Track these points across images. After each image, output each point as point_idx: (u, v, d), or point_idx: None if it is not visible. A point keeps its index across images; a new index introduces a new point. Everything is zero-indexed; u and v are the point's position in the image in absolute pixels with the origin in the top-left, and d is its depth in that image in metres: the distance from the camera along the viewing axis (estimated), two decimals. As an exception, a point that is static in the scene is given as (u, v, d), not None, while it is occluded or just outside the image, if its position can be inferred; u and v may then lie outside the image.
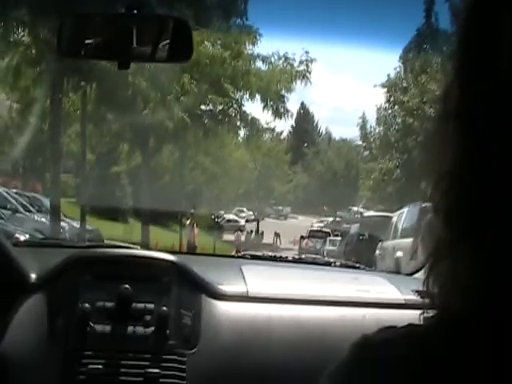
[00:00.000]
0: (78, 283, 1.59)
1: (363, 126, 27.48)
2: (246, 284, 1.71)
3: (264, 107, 16.10)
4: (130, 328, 1.55)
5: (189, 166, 22.73)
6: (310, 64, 16.08)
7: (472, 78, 0.54)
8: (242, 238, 25.92)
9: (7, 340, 1.49)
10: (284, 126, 45.24)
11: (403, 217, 12.02)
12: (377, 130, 27.01)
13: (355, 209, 41.63)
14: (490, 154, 0.51)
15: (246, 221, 34.28)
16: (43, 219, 12.37)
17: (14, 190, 16.85)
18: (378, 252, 13.27)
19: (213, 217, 28.42)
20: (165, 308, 1.55)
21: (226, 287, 1.69)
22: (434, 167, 0.56)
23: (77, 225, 14.19)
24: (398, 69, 21.93)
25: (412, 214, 10.84)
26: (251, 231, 30.46)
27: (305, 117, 49.60)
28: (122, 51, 1.50)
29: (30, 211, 14.06)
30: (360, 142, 33.21)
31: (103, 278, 1.61)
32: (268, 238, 30.81)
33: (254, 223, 33.94)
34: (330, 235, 26.21)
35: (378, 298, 1.69)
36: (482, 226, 0.51)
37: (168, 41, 1.50)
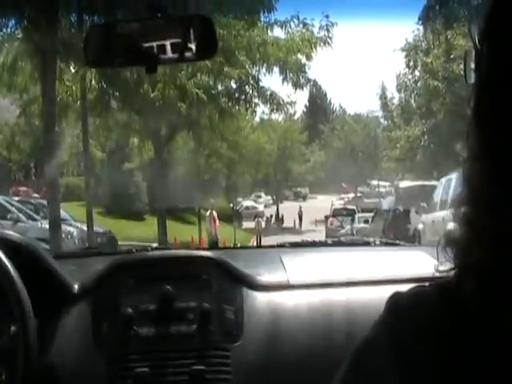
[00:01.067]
0: (120, 288, 1.65)
1: (382, 94, 27.23)
2: (286, 272, 1.74)
3: (283, 79, 15.22)
4: (174, 328, 1.60)
5: (204, 153, 22.23)
6: (330, 29, 14.92)
7: None
8: (263, 223, 25.88)
9: (54, 351, 1.56)
10: (297, 106, 44.88)
11: (452, 184, 10.63)
12: (397, 98, 26.81)
13: (375, 182, 41.50)
14: None
15: (265, 206, 34.43)
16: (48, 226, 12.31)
17: (17, 199, 16.64)
18: (421, 226, 12.31)
19: (231, 205, 28.52)
20: (206, 304, 1.60)
21: (267, 277, 1.72)
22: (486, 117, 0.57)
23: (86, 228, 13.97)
24: (416, 31, 21.60)
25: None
26: (271, 216, 30.61)
27: (318, 94, 49.45)
28: (148, 55, 1.56)
29: (34, 219, 13.81)
30: (378, 113, 33.01)
31: (144, 281, 1.66)
32: (288, 222, 30.91)
33: (274, 207, 34.06)
34: (355, 212, 26.07)
35: (419, 273, 1.65)
36: None
37: (193, 40, 1.56)
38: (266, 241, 20.99)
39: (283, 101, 16.52)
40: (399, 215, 14.83)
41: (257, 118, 25.25)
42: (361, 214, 24.19)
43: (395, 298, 0.62)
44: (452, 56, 18.42)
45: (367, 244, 2.27)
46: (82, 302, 1.64)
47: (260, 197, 37.32)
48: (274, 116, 27.62)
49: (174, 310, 1.61)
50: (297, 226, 29.49)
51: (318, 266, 1.83)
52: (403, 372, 0.56)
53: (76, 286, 1.67)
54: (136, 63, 1.77)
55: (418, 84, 22.80)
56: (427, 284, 0.61)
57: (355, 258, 1.97)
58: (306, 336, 1.59)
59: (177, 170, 22.65)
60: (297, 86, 15.46)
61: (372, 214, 20.14)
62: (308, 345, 1.57)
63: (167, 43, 1.58)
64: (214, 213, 17.43)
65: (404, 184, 18.73)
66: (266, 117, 26.37)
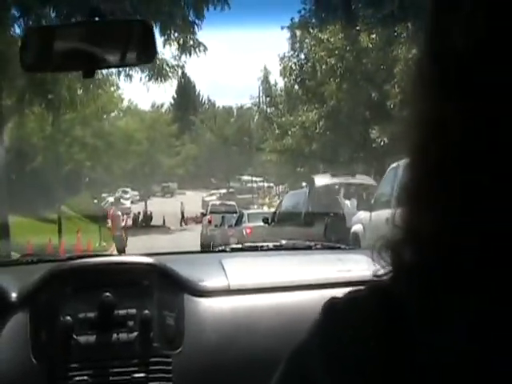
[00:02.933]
0: (59, 297, 1.71)
1: (265, 79, 26.39)
2: (227, 277, 1.85)
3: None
4: (114, 335, 1.68)
5: (65, 141, 21.14)
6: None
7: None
8: (129, 221, 25.47)
9: None
10: (164, 98, 44.49)
11: (398, 174, 9.30)
12: (281, 83, 25.89)
13: (246, 178, 41.95)
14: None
15: (132, 202, 33.82)
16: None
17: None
18: (356, 227, 11.46)
19: (95, 201, 27.76)
20: (147, 311, 1.69)
21: (208, 283, 1.82)
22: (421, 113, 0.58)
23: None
24: (303, 10, 20.51)
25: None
26: (138, 213, 30.26)
27: (186, 86, 49.56)
28: (86, 60, 1.61)
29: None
30: (253, 103, 32.96)
31: (84, 288, 1.73)
32: (157, 219, 30.60)
33: (141, 204, 33.65)
34: (236, 209, 25.42)
35: (359, 276, 1.80)
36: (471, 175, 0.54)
37: (132, 44, 1.63)
38: (132, 241, 20.60)
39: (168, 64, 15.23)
40: (337, 217, 13.49)
41: (125, 102, 24.33)
42: (253, 211, 22.76)
43: (331, 303, 0.63)
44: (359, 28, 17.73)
45: (309, 248, 2.40)
46: (19, 311, 1.69)
47: (127, 192, 36.63)
48: (141, 105, 27.09)
49: (114, 318, 1.68)
50: (166, 224, 29.22)
51: (258, 270, 1.96)
52: (334, 380, 0.57)
53: (14, 295, 1.71)
54: (74, 68, 1.79)
55: (308, 65, 21.92)
56: (363, 287, 0.63)
57: (296, 261, 2.12)
58: (246, 341, 1.71)
59: (31, 160, 21.32)
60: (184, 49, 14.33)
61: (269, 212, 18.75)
62: (249, 350, 1.69)
63: (106, 47, 1.64)
64: (119, 213, 16.08)
65: (320, 180, 15.75)
66: (134, 103, 25.66)
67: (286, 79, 24.50)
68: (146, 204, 33.11)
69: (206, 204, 27.63)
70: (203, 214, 25.57)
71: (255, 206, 31.35)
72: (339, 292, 1.56)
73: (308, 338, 0.61)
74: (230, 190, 38.59)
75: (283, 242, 2.50)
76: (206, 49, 14.54)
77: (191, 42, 14.20)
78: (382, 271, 0.63)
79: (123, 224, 22.42)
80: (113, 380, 1.65)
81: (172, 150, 35.68)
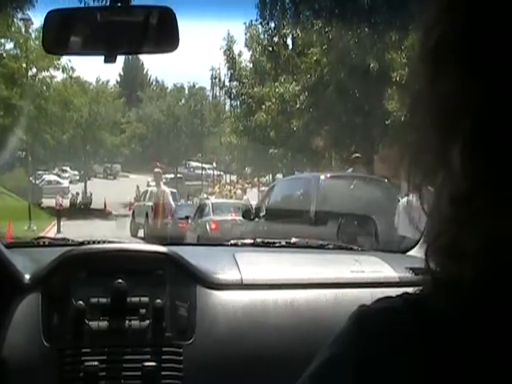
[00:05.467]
0: (72, 281, 1.81)
1: (228, 49, 23.93)
2: (239, 271, 1.98)
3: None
4: (126, 323, 1.78)
5: None
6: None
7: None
8: (65, 202, 24.93)
9: (2, 342, 1.70)
10: (110, 74, 43.61)
11: None
12: (247, 54, 23.97)
13: (194, 164, 41.31)
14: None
15: (70, 182, 33.17)
16: None
17: None
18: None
19: (30, 178, 27.01)
20: (159, 301, 1.80)
21: (220, 276, 1.95)
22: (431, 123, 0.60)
23: None
24: None
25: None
26: (77, 194, 29.76)
27: (134, 63, 49.18)
28: (107, 45, 1.71)
29: None
30: (208, 86, 31.58)
31: (97, 273, 1.83)
32: (97, 202, 30.09)
33: (81, 184, 33.08)
34: (176, 195, 24.65)
35: (372, 277, 1.99)
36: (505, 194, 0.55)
37: (153, 31, 1.73)
38: (67, 225, 20.40)
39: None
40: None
41: (63, 61, 22.83)
42: (222, 201, 21.22)
43: (363, 314, 0.63)
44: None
45: (321, 247, 2.53)
46: (32, 293, 1.79)
47: (66, 171, 35.92)
48: (83, 74, 25.17)
49: (126, 305, 1.79)
50: (108, 208, 28.71)
51: (271, 265, 2.08)
52: None
53: (27, 277, 1.82)
54: (95, 52, 1.85)
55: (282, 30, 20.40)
56: (394, 297, 0.64)
57: (309, 259, 2.24)
58: (257, 336, 1.83)
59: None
60: None
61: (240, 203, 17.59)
62: (259, 344, 1.81)
63: (127, 33, 1.75)
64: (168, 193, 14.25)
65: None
66: (73, 67, 24.16)
67: (252, 50, 22.99)
68: (85, 185, 32.53)
69: (143, 190, 26.03)
70: (136, 200, 24.55)
71: (204, 195, 31.03)
72: (350, 292, 1.80)
73: (340, 350, 0.62)
74: (179, 175, 38.22)
75: (294, 239, 2.60)
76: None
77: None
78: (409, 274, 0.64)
79: (58, 206, 21.76)
80: (124, 367, 1.75)
81: (117, 127, 34.98)
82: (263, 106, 21.63)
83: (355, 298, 1.86)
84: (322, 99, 18.35)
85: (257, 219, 11.34)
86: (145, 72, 52.17)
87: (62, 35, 1.75)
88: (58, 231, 19.73)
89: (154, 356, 1.77)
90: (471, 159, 0.57)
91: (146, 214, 21.33)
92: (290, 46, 21.13)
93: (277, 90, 20.75)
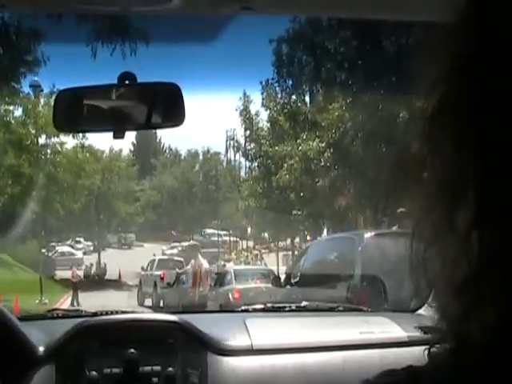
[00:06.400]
0: (85, 351, 1.88)
1: (244, 109, 23.75)
2: (250, 337, 2.04)
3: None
4: None
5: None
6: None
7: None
8: (79, 273, 24.47)
9: None
10: (123, 143, 43.92)
11: None
12: (264, 114, 23.33)
13: (210, 231, 41.35)
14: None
15: (84, 253, 32.98)
16: None
17: None
18: None
19: (43, 250, 26.70)
20: (171, 369, 1.87)
21: (231, 342, 2.01)
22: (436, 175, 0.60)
23: None
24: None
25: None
26: (91, 265, 29.27)
27: (147, 132, 49.92)
28: (116, 121, 1.80)
29: None
30: (223, 151, 31.41)
31: (109, 344, 1.90)
32: (112, 273, 29.73)
33: (94, 255, 32.68)
34: (183, 264, 24.60)
35: (381, 338, 2.06)
36: None
37: (160, 107, 1.83)
38: (81, 297, 20.14)
39: None
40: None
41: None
42: (244, 267, 20.63)
43: None
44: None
45: (331, 309, 2.64)
46: (46, 365, 1.86)
47: (79, 242, 35.79)
48: (96, 142, 25.33)
49: (138, 374, 1.86)
50: (123, 278, 28.28)
51: (281, 330, 2.14)
52: None
53: (41, 349, 1.89)
54: (104, 129, 1.95)
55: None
56: (399, 371, 0.63)
57: (319, 322, 2.30)
58: None
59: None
60: None
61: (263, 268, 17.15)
62: None
63: (135, 110, 1.84)
64: (205, 263, 13.26)
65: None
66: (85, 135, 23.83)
67: (269, 109, 22.30)
68: (99, 255, 32.05)
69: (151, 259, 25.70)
70: (143, 269, 24.53)
71: (221, 262, 30.67)
72: (360, 354, 1.97)
73: None
74: (194, 242, 37.89)
75: (305, 303, 2.69)
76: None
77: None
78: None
79: (72, 277, 21.44)
80: None
81: (130, 195, 34.63)
82: (285, 165, 20.94)
83: (365, 359, 1.91)
84: (348, 155, 17.81)
85: (288, 286, 10.09)
86: (158, 140, 53.05)
87: (71, 114, 1.86)
88: (72, 304, 19.32)
89: None
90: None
91: (155, 284, 21.37)
92: (309, 103, 20.69)
93: (299, 147, 20.07)
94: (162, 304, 19.89)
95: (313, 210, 20.73)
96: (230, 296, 12.83)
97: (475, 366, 0.55)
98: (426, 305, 2.33)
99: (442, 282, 0.60)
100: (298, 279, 10.11)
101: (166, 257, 27.76)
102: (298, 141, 20.26)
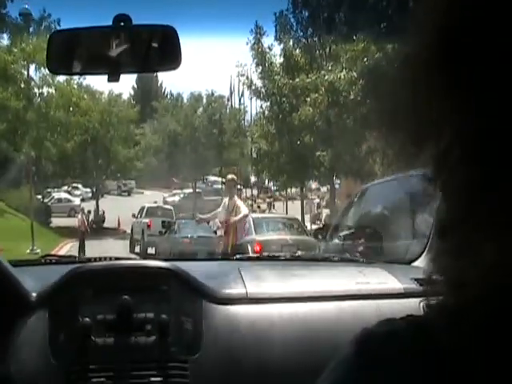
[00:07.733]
0: (78, 298, 1.90)
1: (256, 42, 21.44)
2: (244, 286, 2.04)
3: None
4: (132, 338, 1.87)
5: None
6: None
7: None
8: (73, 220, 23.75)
9: (10, 359, 1.79)
10: (123, 87, 42.49)
11: None
12: (278, 47, 21.72)
13: (213, 178, 40.32)
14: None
15: (82, 199, 32.38)
16: None
17: None
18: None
19: (39, 196, 25.73)
20: (165, 316, 1.88)
21: (226, 290, 2.02)
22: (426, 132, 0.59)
23: None
24: None
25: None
26: (89, 212, 28.34)
27: (148, 75, 48.73)
28: (110, 64, 1.81)
29: None
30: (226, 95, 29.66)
31: (103, 290, 1.91)
32: (110, 221, 28.89)
33: (92, 202, 31.74)
34: (172, 213, 24.14)
35: (377, 289, 2.05)
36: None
37: (156, 50, 1.82)
38: (77, 246, 19.86)
39: None
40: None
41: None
42: (266, 215, 18.96)
43: (365, 337, 0.63)
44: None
45: (326, 259, 2.69)
46: (39, 311, 1.87)
47: (77, 188, 34.96)
48: (93, 83, 23.69)
49: (132, 321, 1.86)
50: (122, 226, 27.41)
51: (277, 279, 2.14)
52: None
53: (34, 295, 1.89)
54: (98, 71, 1.94)
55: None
56: (398, 321, 0.63)
57: (315, 272, 2.32)
58: (263, 350, 1.88)
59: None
60: None
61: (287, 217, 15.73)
62: (265, 358, 1.87)
63: (130, 52, 1.83)
64: (243, 207, 10.20)
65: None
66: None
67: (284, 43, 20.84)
68: (97, 202, 30.94)
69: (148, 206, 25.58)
70: (134, 216, 24.45)
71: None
72: (356, 304, 1.92)
73: (341, 379, 0.62)
74: (198, 190, 37.03)
75: (300, 252, 2.91)
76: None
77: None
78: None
79: (78, 226, 20.63)
80: (130, 383, 1.81)
81: (130, 139, 33.15)
82: (308, 99, 19.15)
83: (360, 310, 1.93)
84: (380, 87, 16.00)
85: (337, 240, 7.97)
86: (159, 84, 51.76)
87: (65, 55, 1.85)
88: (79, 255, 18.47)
89: (160, 371, 1.83)
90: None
91: (142, 231, 20.85)
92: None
93: (326, 77, 18.32)
94: (148, 251, 20.11)
95: (335, 151, 19.17)
96: (250, 249, 10.85)
97: (475, 313, 0.56)
98: (422, 256, 2.43)
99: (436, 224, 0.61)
100: (348, 232, 7.70)
101: (155, 205, 27.14)
102: (321, 72, 18.66)
